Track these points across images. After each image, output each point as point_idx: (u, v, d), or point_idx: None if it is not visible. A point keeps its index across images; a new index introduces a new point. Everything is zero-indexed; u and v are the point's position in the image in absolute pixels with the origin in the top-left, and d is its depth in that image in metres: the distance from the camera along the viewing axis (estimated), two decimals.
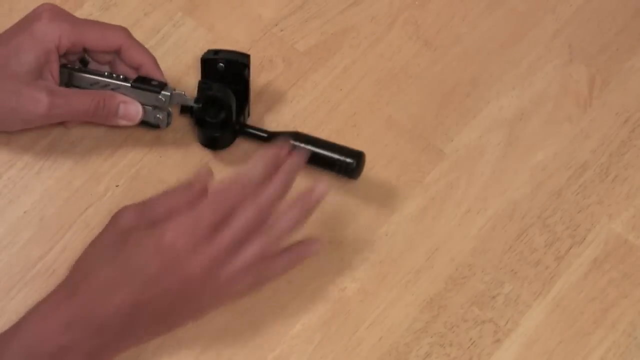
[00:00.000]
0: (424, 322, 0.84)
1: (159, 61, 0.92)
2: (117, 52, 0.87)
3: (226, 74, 0.87)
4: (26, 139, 0.89)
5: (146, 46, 0.94)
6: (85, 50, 0.87)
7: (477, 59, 0.96)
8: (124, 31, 0.87)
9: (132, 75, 0.87)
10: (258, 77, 0.93)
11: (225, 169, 0.89)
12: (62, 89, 0.85)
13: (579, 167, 0.91)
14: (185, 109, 0.88)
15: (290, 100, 0.93)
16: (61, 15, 0.85)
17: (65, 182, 0.88)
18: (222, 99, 0.86)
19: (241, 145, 0.90)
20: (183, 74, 0.93)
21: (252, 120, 0.91)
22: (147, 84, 0.86)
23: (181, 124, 0.90)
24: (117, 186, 0.88)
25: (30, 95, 0.83)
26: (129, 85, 0.86)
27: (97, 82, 0.87)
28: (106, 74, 0.87)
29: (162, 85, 0.87)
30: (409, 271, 0.86)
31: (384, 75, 0.95)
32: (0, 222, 0.86)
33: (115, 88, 0.86)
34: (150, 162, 0.89)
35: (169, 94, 0.86)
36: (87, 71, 0.88)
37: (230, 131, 0.88)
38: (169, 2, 0.97)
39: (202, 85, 0.87)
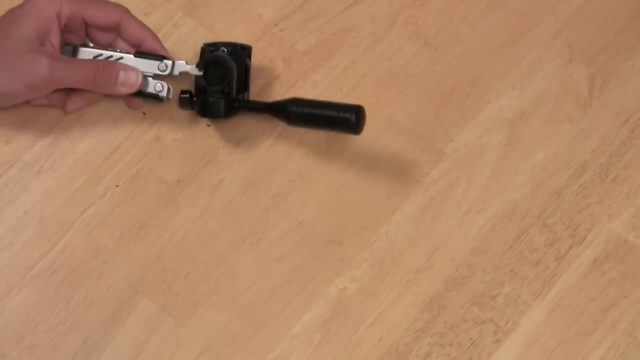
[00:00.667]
0: (424, 322, 0.84)
1: None
2: (118, 30, 0.88)
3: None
4: (26, 139, 0.89)
5: None
6: (85, 24, 0.87)
7: (477, 59, 0.96)
8: (124, 7, 0.88)
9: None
10: (258, 77, 0.93)
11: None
12: (63, 56, 0.86)
13: (579, 167, 0.91)
14: (185, 102, 0.88)
15: None
16: None
17: (65, 182, 0.88)
18: (224, 61, 0.86)
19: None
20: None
21: (252, 120, 0.91)
22: (150, 53, 0.88)
23: (181, 124, 0.90)
24: (117, 186, 0.88)
25: (31, 60, 0.83)
26: (132, 55, 0.87)
27: (101, 54, 0.88)
28: (109, 48, 0.88)
29: (164, 57, 0.88)
30: (409, 271, 0.86)
31: (384, 75, 0.95)
32: (0, 222, 0.86)
33: (119, 59, 0.87)
34: (150, 162, 0.89)
35: (171, 61, 0.87)
36: (90, 47, 0.88)
37: (229, 99, 0.88)
38: (169, 2, 0.97)
39: (205, 48, 0.88)
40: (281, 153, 0.90)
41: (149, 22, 0.95)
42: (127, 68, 0.86)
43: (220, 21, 0.96)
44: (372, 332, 0.83)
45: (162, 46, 0.89)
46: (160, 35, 0.95)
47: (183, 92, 0.89)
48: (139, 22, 0.88)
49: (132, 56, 0.87)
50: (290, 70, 0.94)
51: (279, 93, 0.93)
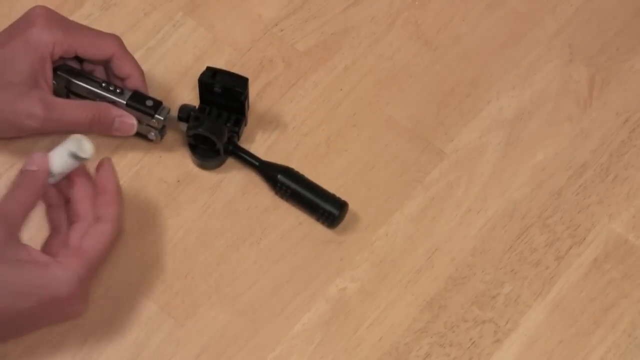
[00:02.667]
0: (424, 322, 0.84)
1: (159, 61, 0.93)
2: (108, 62, 0.87)
3: (223, 96, 0.87)
4: (26, 140, 0.89)
5: (146, 46, 0.95)
6: (77, 57, 0.87)
7: (477, 59, 0.96)
8: (116, 40, 0.87)
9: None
10: (258, 77, 0.93)
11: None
12: (58, 100, 0.84)
13: (579, 167, 0.91)
14: (183, 117, 0.88)
15: (290, 100, 0.93)
16: (55, 21, 0.85)
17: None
18: (211, 139, 0.85)
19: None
20: (183, 74, 0.93)
21: (252, 121, 0.91)
22: (142, 103, 0.86)
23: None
24: None
25: (25, 109, 0.82)
26: (124, 103, 0.86)
27: (94, 93, 0.87)
28: (103, 85, 0.87)
29: (157, 106, 0.86)
30: (409, 271, 0.86)
31: (384, 75, 0.95)
32: None
33: (110, 102, 0.86)
34: (150, 162, 0.89)
35: (162, 118, 0.86)
36: (84, 80, 0.87)
37: (217, 157, 0.88)
38: (169, 2, 0.97)
39: (186, 107, 0.87)
40: (281, 153, 0.90)
41: (149, 22, 0.95)
42: (123, 115, 0.86)
43: (220, 21, 0.96)
44: (372, 332, 0.83)
45: (145, 86, 0.88)
46: (160, 36, 0.95)
47: (181, 109, 0.88)
48: (129, 59, 0.87)
49: (124, 103, 0.86)
50: (290, 70, 0.94)
51: (279, 93, 0.93)
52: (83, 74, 0.87)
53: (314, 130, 0.91)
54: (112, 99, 0.86)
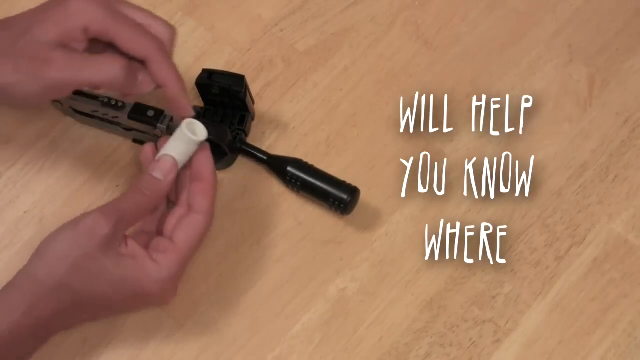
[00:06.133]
0: (424, 322, 0.84)
1: None
2: (145, 63, 0.80)
3: (224, 96, 0.87)
4: (27, 139, 0.89)
5: None
6: (112, 44, 0.80)
7: (477, 59, 0.96)
8: (157, 45, 0.79)
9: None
10: (258, 77, 0.93)
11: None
12: (82, 54, 0.78)
13: (579, 167, 0.91)
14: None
15: (290, 100, 0.93)
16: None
17: (65, 182, 0.88)
18: (215, 142, 0.85)
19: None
20: (183, 75, 0.93)
21: (253, 121, 0.91)
22: (143, 114, 0.86)
23: None
24: (117, 186, 0.88)
25: (45, 59, 0.76)
26: (126, 115, 0.86)
27: (97, 110, 0.87)
28: (105, 101, 0.86)
29: (158, 115, 0.86)
30: (409, 271, 0.86)
31: (384, 75, 0.95)
32: (0, 222, 0.86)
33: (114, 117, 0.86)
34: None
35: (164, 127, 0.86)
36: (87, 98, 0.87)
37: (226, 157, 0.88)
38: (169, 2, 0.97)
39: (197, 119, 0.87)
40: (281, 153, 0.90)
41: None
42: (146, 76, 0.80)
43: (220, 21, 0.96)
44: (372, 332, 0.83)
45: (186, 97, 0.80)
46: None
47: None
48: (166, 66, 0.79)
49: (126, 116, 0.86)
50: (290, 70, 0.94)
51: (279, 93, 0.93)
52: (84, 93, 0.87)
53: (314, 130, 0.91)
54: (114, 113, 0.86)
